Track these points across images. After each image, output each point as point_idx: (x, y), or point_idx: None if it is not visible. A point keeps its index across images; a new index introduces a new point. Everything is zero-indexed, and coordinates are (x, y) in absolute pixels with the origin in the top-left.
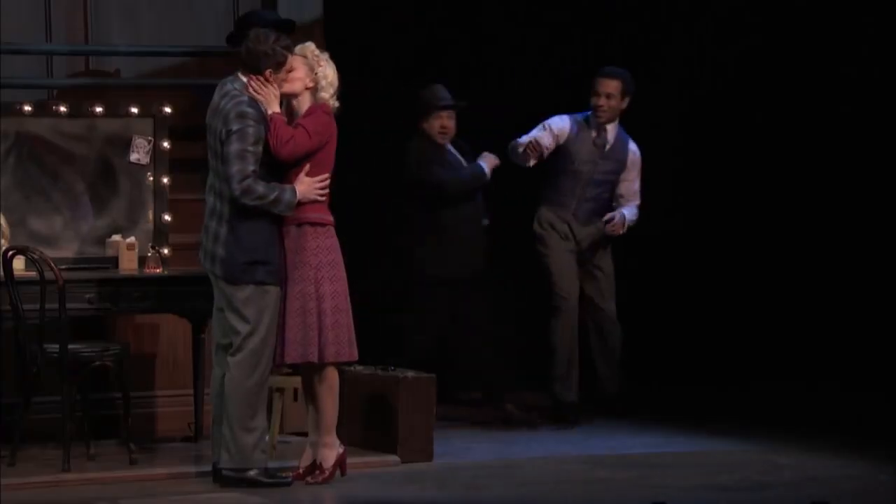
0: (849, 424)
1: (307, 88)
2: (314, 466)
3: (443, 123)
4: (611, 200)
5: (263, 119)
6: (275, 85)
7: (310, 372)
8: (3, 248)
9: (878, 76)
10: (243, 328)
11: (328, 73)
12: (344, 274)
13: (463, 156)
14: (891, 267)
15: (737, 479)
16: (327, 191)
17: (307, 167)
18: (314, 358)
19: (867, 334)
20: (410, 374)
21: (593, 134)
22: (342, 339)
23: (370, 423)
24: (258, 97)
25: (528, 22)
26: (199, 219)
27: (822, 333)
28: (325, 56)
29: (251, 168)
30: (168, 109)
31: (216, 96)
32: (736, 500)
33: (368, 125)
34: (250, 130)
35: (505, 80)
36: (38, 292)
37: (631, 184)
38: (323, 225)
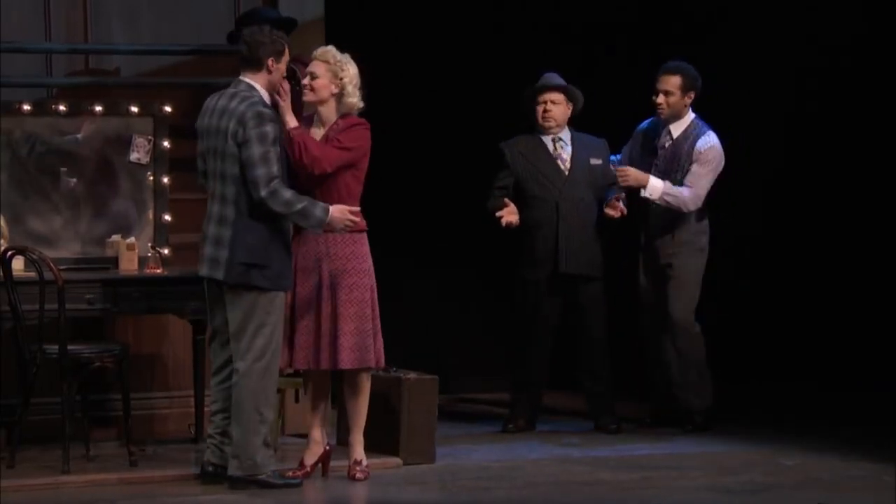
0: (853, 425)
1: (332, 95)
2: (322, 461)
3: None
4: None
5: (278, 118)
6: (278, 74)
7: (346, 374)
8: (3, 248)
9: None
10: (242, 334)
11: (353, 75)
12: None
13: None
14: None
15: (741, 480)
16: (360, 219)
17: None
18: (372, 363)
19: (871, 335)
20: (413, 375)
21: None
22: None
23: (372, 425)
24: (282, 103)
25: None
26: (199, 219)
27: (825, 334)
28: (346, 57)
29: (276, 170)
30: (168, 108)
31: (220, 100)
32: (740, 502)
33: (371, 126)
34: (269, 131)
35: (508, 82)
36: (37, 293)
37: (690, 175)
38: (365, 231)
